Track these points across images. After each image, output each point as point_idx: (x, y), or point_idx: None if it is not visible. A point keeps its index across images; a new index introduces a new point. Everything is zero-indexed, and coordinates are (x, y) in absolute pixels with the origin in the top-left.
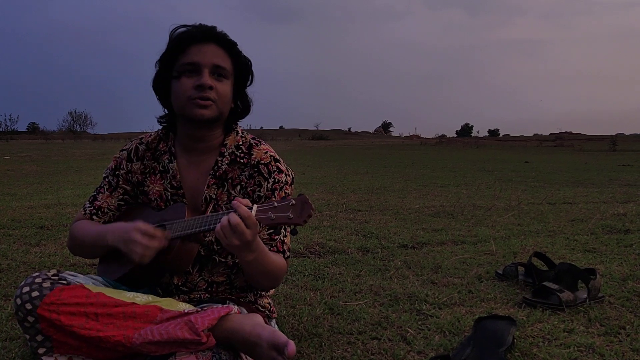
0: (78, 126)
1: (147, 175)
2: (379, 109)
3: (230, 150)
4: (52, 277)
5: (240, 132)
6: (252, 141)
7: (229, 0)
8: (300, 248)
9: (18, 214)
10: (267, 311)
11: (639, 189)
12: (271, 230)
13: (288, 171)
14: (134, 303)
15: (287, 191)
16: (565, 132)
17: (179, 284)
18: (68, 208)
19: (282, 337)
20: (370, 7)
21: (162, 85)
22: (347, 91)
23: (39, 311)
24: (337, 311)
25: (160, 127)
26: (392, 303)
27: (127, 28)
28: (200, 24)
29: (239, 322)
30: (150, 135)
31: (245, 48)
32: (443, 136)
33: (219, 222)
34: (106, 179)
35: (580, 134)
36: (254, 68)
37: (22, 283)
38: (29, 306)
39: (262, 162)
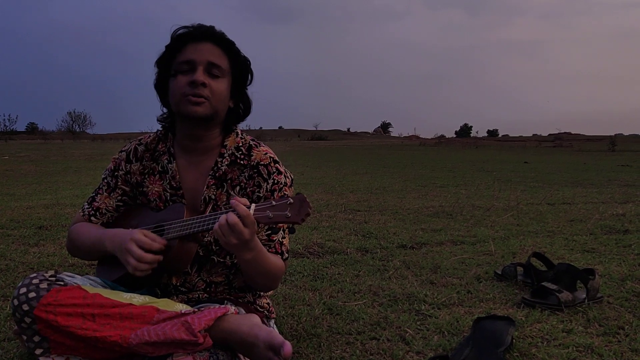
0: (77, 126)
1: (146, 176)
2: (378, 109)
3: (230, 151)
4: (49, 278)
5: (239, 133)
6: (251, 142)
7: (228, 0)
8: (299, 248)
9: (17, 214)
10: (265, 311)
11: (638, 189)
12: (269, 231)
13: (287, 173)
14: (130, 304)
15: (286, 192)
16: (565, 133)
17: (178, 284)
18: (67, 208)
19: (279, 337)
20: (370, 7)
21: (162, 84)
22: (346, 91)
23: (36, 312)
24: (336, 311)
25: (160, 128)
26: (391, 303)
27: (127, 28)
28: (199, 24)
29: (236, 322)
30: (149, 136)
31: (245, 48)
32: (442, 136)
33: (217, 221)
34: (105, 180)
35: (579, 134)
36: (254, 68)
37: (20, 284)
38: (26, 307)
39: (262, 163)
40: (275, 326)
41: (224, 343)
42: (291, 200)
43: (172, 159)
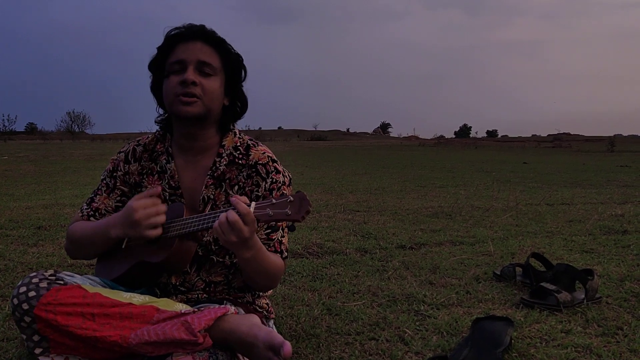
0: (76, 126)
1: (145, 176)
2: (377, 110)
3: (229, 151)
4: (49, 277)
5: (237, 133)
6: (249, 142)
7: (228, 0)
8: (298, 249)
9: (16, 214)
10: (265, 312)
11: (637, 189)
12: (269, 230)
13: (285, 172)
14: (130, 303)
15: (285, 192)
16: (564, 133)
17: (177, 283)
18: (66, 208)
19: (279, 337)
20: (370, 7)
21: (157, 86)
22: (346, 91)
23: (36, 311)
24: (335, 312)
25: (158, 129)
26: (390, 304)
27: (126, 28)
28: (190, 24)
29: (235, 322)
30: (148, 137)
31: (245, 48)
32: (441, 137)
33: (218, 219)
34: (104, 181)
35: (578, 134)
36: (254, 68)
37: (19, 283)
38: (25, 306)
39: (260, 162)
40: (274, 326)
41: (224, 343)
42: (291, 198)
43: (170, 159)
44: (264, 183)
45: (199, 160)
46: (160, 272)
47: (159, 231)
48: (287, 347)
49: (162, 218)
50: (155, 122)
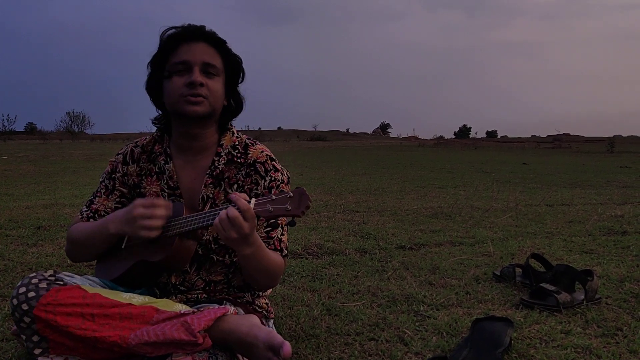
0: (76, 126)
1: (144, 177)
2: (377, 110)
3: (227, 150)
4: (49, 278)
5: (235, 132)
6: (247, 141)
7: (228, 1)
8: (298, 249)
9: (15, 214)
10: (264, 312)
11: (637, 190)
12: (269, 228)
13: (284, 171)
14: (130, 304)
15: (284, 190)
16: (563, 134)
17: (177, 283)
18: (65, 208)
19: (278, 338)
20: (370, 7)
21: (155, 86)
22: (345, 92)
23: (35, 312)
24: (334, 312)
25: (156, 130)
26: (390, 304)
27: (126, 28)
28: (188, 24)
29: (235, 323)
30: (146, 138)
31: (244, 48)
32: (441, 137)
33: (218, 216)
34: (103, 183)
35: (578, 135)
36: (253, 68)
37: (19, 284)
38: (25, 307)
39: (259, 160)
40: (274, 327)
41: (223, 343)
42: (291, 194)
43: (168, 159)
44: (262, 181)
45: (198, 160)
46: (160, 272)
47: (152, 233)
48: (287, 347)
49: (156, 222)
50: (153, 122)
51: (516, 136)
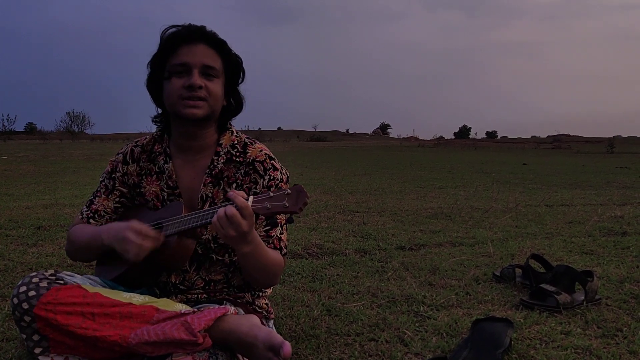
0: (76, 126)
1: (143, 177)
2: (377, 110)
3: (226, 149)
4: (49, 277)
5: (234, 131)
6: (246, 140)
7: (228, 1)
8: (298, 249)
9: (15, 214)
10: (264, 312)
11: (636, 191)
12: (268, 227)
13: (283, 169)
14: (130, 303)
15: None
16: (563, 134)
17: (177, 282)
18: (65, 208)
19: (278, 338)
20: (369, 7)
21: (155, 85)
22: (345, 92)
23: (36, 310)
24: (334, 312)
25: (156, 130)
26: (390, 304)
27: (126, 28)
28: (189, 24)
29: (235, 322)
30: (146, 138)
31: (244, 48)
32: (441, 138)
33: (216, 214)
34: (103, 183)
35: (577, 136)
36: (253, 68)
37: (20, 282)
38: (25, 306)
39: (258, 159)
40: (274, 327)
41: (224, 343)
42: (288, 191)
43: (168, 159)
44: (261, 180)
45: (197, 160)
46: (160, 271)
47: (135, 259)
48: (287, 347)
49: (141, 252)
50: (153, 120)
51: (516, 137)
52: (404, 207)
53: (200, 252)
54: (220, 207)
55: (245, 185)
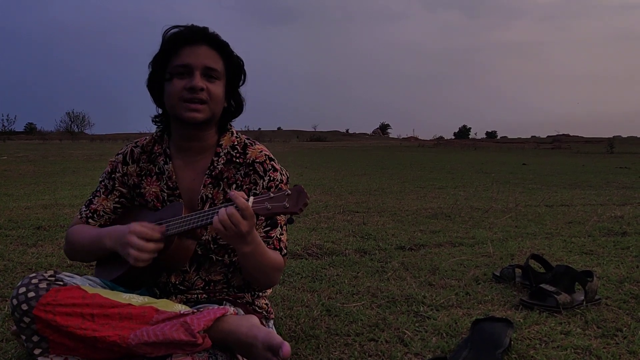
0: (76, 127)
1: (143, 178)
2: (377, 110)
3: (226, 150)
4: (49, 278)
5: (234, 132)
6: (246, 141)
7: (228, 1)
8: (297, 249)
9: (15, 214)
10: (264, 312)
11: (636, 191)
12: (268, 228)
13: (283, 170)
14: (130, 304)
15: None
16: (563, 135)
17: (177, 282)
18: (65, 209)
19: (277, 338)
20: (369, 8)
21: (156, 85)
22: (345, 92)
23: (35, 312)
24: (334, 313)
25: (156, 130)
26: (390, 305)
27: (126, 28)
28: (192, 25)
29: (235, 323)
30: (146, 138)
31: (244, 49)
32: (441, 138)
33: (216, 214)
34: (102, 183)
35: (577, 136)
36: (253, 68)
37: (19, 284)
38: (25, 307)
39: (257, 160)
40: (273, 327)
41: (223, 344)
42: (289, 192)
43: (168, 159)
44: (261, 181)
45: (197, 161)
46: (160, 271)
47: (139, 264)
48: (286, 347)
49: (145, 256)
50: (153, 120)
51: (516, 137)
52: (404, 207)
53: (200, 252)
54: (220, 207)
55: (245, 186)
